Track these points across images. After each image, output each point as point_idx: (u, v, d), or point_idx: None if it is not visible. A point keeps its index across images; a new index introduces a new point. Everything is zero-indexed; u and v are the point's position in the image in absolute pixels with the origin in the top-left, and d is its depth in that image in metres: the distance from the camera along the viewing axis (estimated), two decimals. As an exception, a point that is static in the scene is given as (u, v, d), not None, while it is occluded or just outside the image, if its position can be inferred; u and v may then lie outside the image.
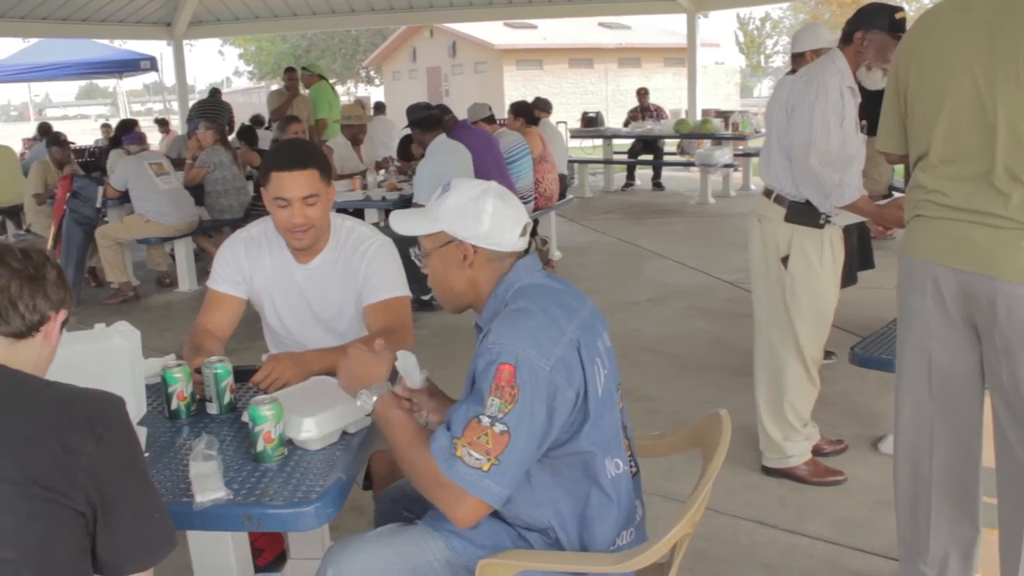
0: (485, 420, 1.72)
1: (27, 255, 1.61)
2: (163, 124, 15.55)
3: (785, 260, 3.38)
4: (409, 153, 7.67)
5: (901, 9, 3.35)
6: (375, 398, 1.91)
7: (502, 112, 9.64)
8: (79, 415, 1.48)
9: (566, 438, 1.83)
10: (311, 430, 2.05)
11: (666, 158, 13.13)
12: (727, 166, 11.37)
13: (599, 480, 1.88)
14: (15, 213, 9.94)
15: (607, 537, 1.92)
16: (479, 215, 1.91)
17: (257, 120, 10.69)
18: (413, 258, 2.07)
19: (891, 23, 3.22)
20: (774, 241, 3.41)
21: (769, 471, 3.61)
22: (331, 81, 11.81)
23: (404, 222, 2.03)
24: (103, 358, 2.17)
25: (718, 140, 11.36)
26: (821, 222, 3.34)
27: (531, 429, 1.74)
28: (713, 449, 2.02)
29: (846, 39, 3.31)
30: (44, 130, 11.34)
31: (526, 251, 2.01)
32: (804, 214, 3.33)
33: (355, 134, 8.20)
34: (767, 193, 3.45)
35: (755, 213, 3.53)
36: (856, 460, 3.74)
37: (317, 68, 10.54)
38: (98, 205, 7.67)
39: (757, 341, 3.64)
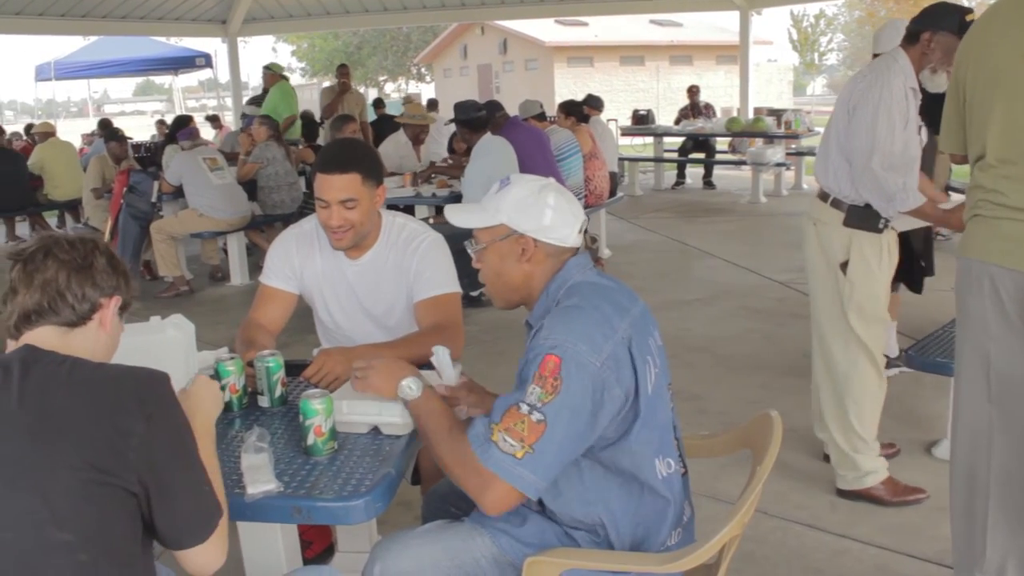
0: (524, 408, 1.73)
1: (74, 245, 1.64)
2: (215, 120, 15.77)
3: (844, 266, 3.28)
4: (453, 147, 7.71)
5: (971, 11, 3.23)
6: (421, 387, 1.94)
7: (552, 110, 9.62)
8: (128, 395, 1.51)
9: (616, 436, 1.83)
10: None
11: (717, 156, 13.02)
12: (779, 165, 11.24)
13: (651, 479, 1.87)
14: (74, 207, 10.17)
15: (659, 537, 1.91)
16: (541, 209, 1.92)
17: (306, 116, 10.79)
18: (469, 251, 2.07)
19: (960, 25, 3.09)
20: (831, 246, 3.32)
21: (845, 494, 3.44)
22: (381, 79, 11.85)
23: (461, 215, 2.04)
24: (158, 350, 2.20)
25: (770, 139, 11.24)
26: (880, 226, 3.24)
27: (571, 423, 1.73)
28: (763, 450, 2.00)
29: (911, 38, 3.20)
30: (103, 126, 11.59)
31: (578, 249, 2.01)
32: (864, 218, 3.24)
33: (417, 133, 8.24)
34: (823, 196, 3.36)
35: (810, 217, 3.44)
36: (910, 465, 3.67)
37: (279, 67, 10.35)
38: (153, 200, 7.80)
39: (817, 347, 3.51)
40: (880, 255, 3.28)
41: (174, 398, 1.58)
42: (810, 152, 11.92)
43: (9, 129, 12.44)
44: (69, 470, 1.43)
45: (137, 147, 10.53)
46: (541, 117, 7.77)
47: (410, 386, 1.95)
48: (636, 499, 1.88)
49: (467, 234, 2.06)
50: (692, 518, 2.05)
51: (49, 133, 10.41)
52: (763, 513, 3.27)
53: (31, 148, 10.71)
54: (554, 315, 1.83)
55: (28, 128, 12.29)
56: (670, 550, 1.92)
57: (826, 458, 3.57)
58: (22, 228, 11.00)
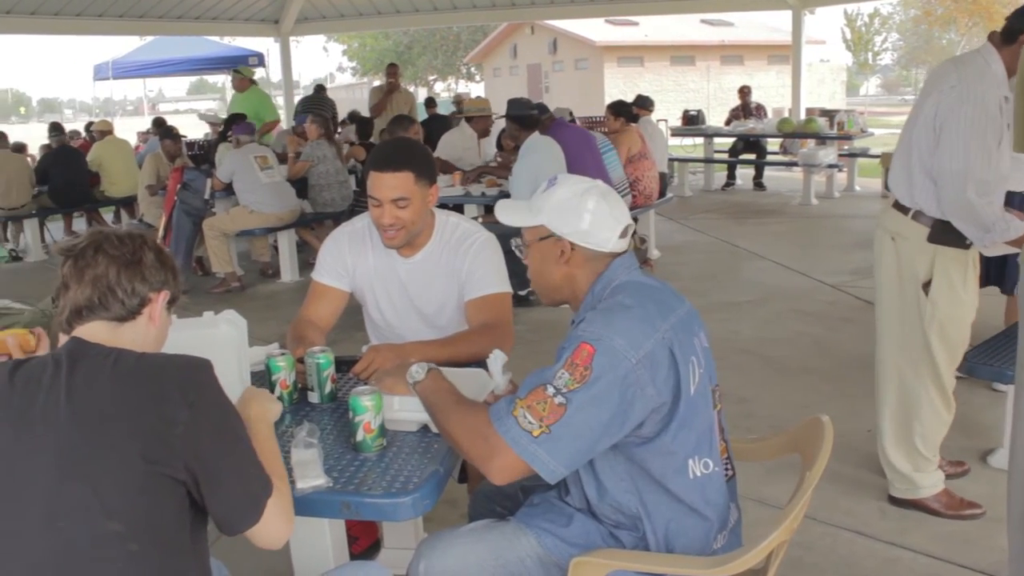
0: (550, 389, 1.73)
1: (123, 241, 1.66)
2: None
3: (926, 286, 3.08)
4: (500, 143, 7.72)
5: None
6: (426, 370, 2.01)
7: (602, 110, 9.61)
8: (170, 384, 1.53)
9: (652, 434, 1.81)
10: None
11: (768, 157, 12.89)
12: (831, 166, 11.09)
13: (680, 479, 1.86)
14: (129, 203, 10.36)
15: (690, 537, 1.89)
16: (580, 213, 1.91)
17: (358, 115, 10.87)
18: (514, 248, 2.07)
19: None
20: (912, 263, 3.10)
21: (897, 501, 3.36)
22: (431, 78, 11.85)
23: (508, 213, 2.05)
24: (211, 345, 2.23)
25: (822, 140, 11.10)
26: (968, 242, 3.00)
27: (593, 414, 1.73)
28: (813, 456, 1.98)
29: (1008, 37, 2.90)
30: (157, 124, 11.79)
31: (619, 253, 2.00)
32: (951, 234, 2.99)
33: (485, 127, 8.28)
34: (901, 208, 3.12)
35: (887, 229, 3.20)
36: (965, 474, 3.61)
37: (248, 71, 10.04)
38: (206, 197, 7.93)
39: (883, 366, 3.34)
40: (965, 273, 3.07)
41: (216, 384, 1.60)
42: (863, 154, 11.77)
43: (68, 127, 12.71)
44: (117, 461, 1.46)
45: (190, 145, 10.70)
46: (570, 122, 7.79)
47: (417, 370, 2.00)
48: (665, 497, 1.87)
49: (517, 233, 2.06)
50: (739, 522, 2.03)
51: (107, 131, 10.62)
52: (811, 519, 3.23)
53: (89, 145, 10.94)
54: (599, 310, 1.83)
55: (89, 126, 12.55)
56: (716, 554, 1.90)
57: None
58: (79, 224, 11.23)
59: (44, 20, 12.17)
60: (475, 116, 8.40)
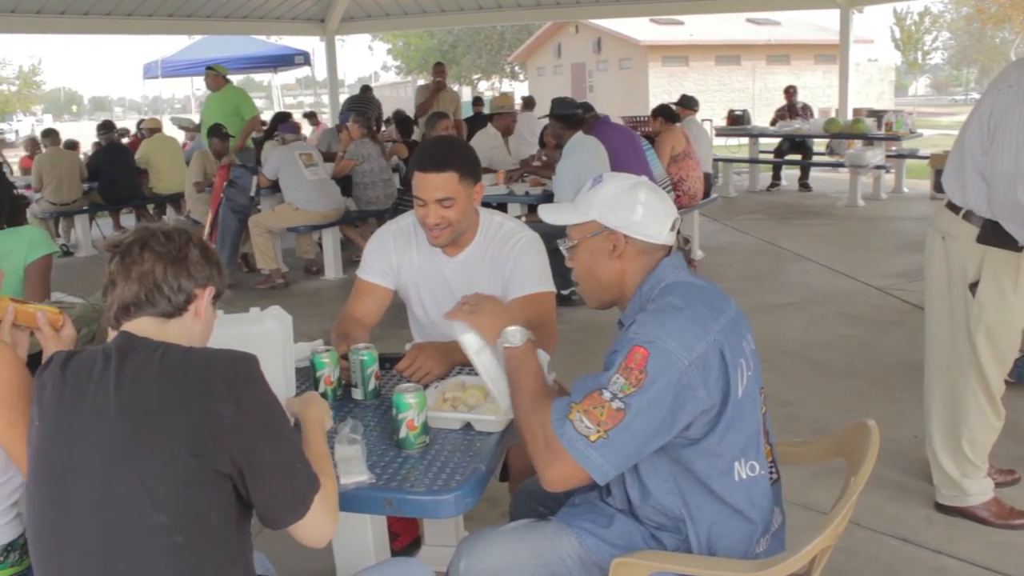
0: (606, 394, 1.72)
1: (169, 237, 1.68)
2: (312, 117, 16.10)
3: (973, 287, 3.02)
4: (543, 140, 7.72)
5: None
6: (526, 338, 1.95)
7: (647, 109, 9.58)
8: (217, 379, 1.55)
9: (699, 436, 1.80)
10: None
11: (814, 158, 12.75)
12: (878, 167, 10.94)
13: (725, 481, 1.85)
14: (177, 200, 10.52)
15: (733, 540, 1.88)
16: (632, 205, 1.91)
17: (400, 114, 10.94)
18: (561, 249, 2.07)
19: None
20: (961, 263, 3.05)
21: (944, 509, 3.30)
22: (475, 77, 11.82)
23: (554, 213, 2.05)
24: (257, 340, 2.25)
25: (870, 140, 10.96)
26: (1020, 245, 2.93)
27: (649, 417, 1.72)
28: (859, 460, 1.96)
29: None
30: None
31: (671, 249, 1.99)
32: (1001, 236, 2.93)
33: (507, 124, 8.27)
34: (953, 208, 3.06)
35: (938, 228, 3.14)
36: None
37: (223, 69, 9.55)
38: (252, 194, 8.01)
39: (931, 367, 3.29)
40: (1017, 277, 2.99)
41: (262, 379, 1.61)
42: (912, 155, 11.59)
43: (118, 125, 12.92)
44: (165, 454, 1.48)
45: (237, 143, 10.82)
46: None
47: (514, 333, 1.96)
48: (709, 499, 1.86)
49: (561, 233, 2.06)
50: (783, 526, 2.02)
51: (156, 129, 10.78)
52: (855, 524, 3.19)
53: (139, 143, 11.11)
54: (649, 311, 1.82)
55: (139, 124, 12.77)
56: (758, 557, 1.89)
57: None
58: (127, 219, 11.41)
59: (96, 20, 12.38)
60: (496, 114, 8.41)
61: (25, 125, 41.04)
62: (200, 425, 1.50)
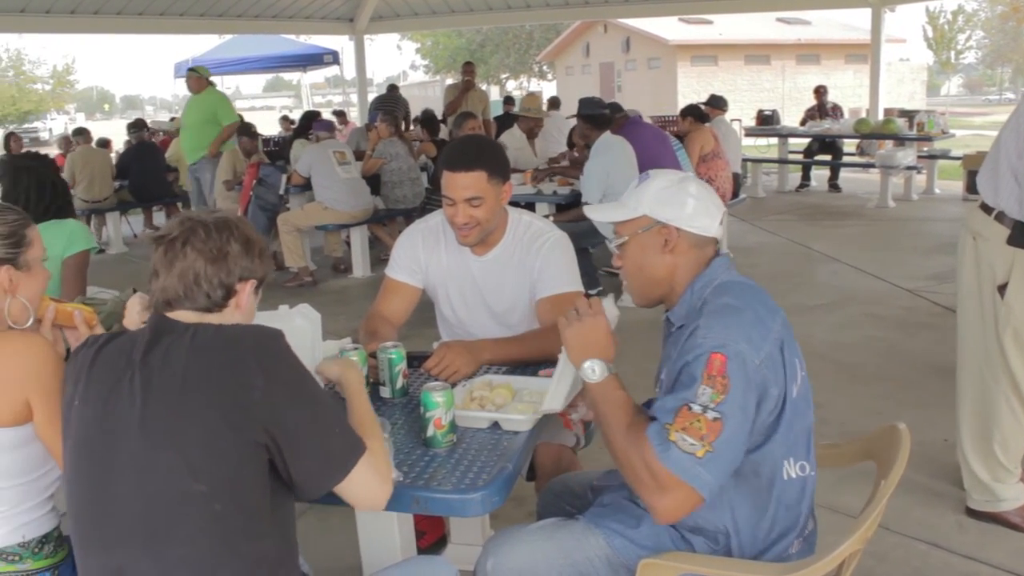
0: (696, 408, 1.70)
1: (210, 234, 1.71)
2: (341, 116, 16.18)
3: (1002, 289, 2.97)
4: (571, 142, 7.71)
5: None
6: (606, 373, 1.88)
7: (674, 109, 9.54)
8: (246, 353, 1.59)
9: (761, 440, 1.80)
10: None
11: (844, 159, 12.64)
12: (909, 168, 10.83)
13: (779, 484, 1.84)
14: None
15: (780, 546, 1.87)
16: (683, 198, 1.91)
17: (427, 113, 10.97)
18: (610, 247, 2.06)
19: None
20: (990, 264, 3.01)
21: (975, 514, 3.26)
22: (504, 76, 11.78)
23: (602, 211, 2.05)
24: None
25: (901, 141, 10.85)
26: None
27: (742, 421, 1.71)
28: (889, 464, 1.94)
29: None
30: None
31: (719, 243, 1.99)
32: None
33: (531, 127, 8.27)
34: (986, 208, 3.03)
35: (969, 229, 3.11)
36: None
37: (205, 71, 9.32)
38: (281, 192, 8.07)
39: (963, 369, 3.25)
40: None
41: (290, 351, 1.65)
42: (944, 155, 11.47)
43: (150, 122, 13.06)
44: (201, 426, 1.53)
45: (265, 141, 10.90)
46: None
47: (593, 368, 1.89)
48: (762, 508, 1.85)
49: (590, 232, 2.06)
50: (814, 531, 2.00)
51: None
52: (884, 529, 3.16)
53: (169, 141, 11.21)
54: (709, 315, 1.80)
55: (171, 120, 12.91)
56: (789, 559, 1.88)
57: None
58: (159, 217, 11.52)
59: (129, 20, 12.51)
60: (522, 116, 8.41)
61: (59, 124, 41.54)
62: (233, 397, 1.55)
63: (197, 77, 9.06)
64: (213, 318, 1.71)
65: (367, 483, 1.68)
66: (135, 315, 2.07)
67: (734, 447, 1.71)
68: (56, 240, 3.36)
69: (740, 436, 1.71)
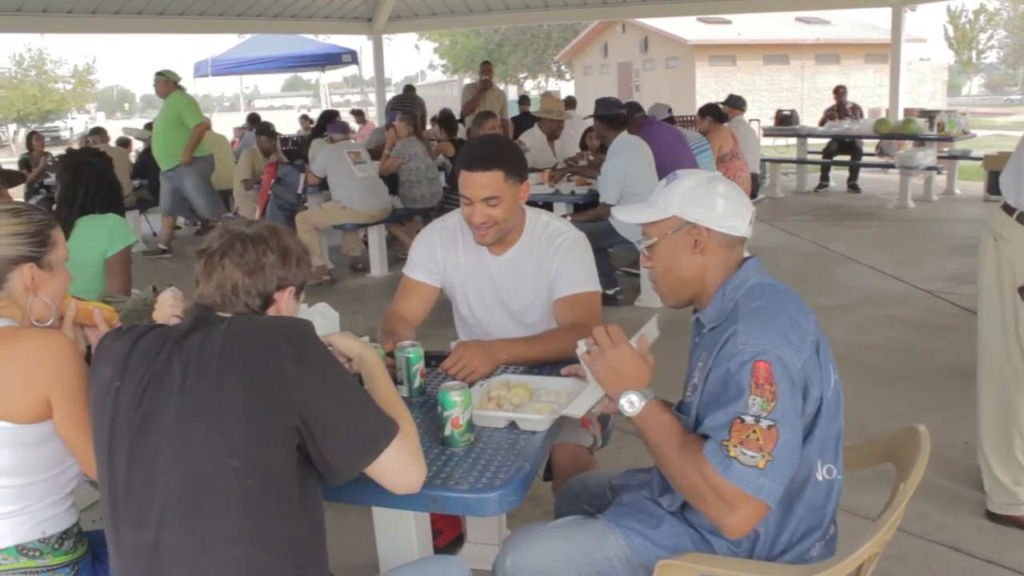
0: (749, 419, 1.69)
1: (247, 248, 1.78)
2: (359, 115, 16.22)
3: (1022, 290, 2.96)
4: (584, 143, 7.69)
5: None
6: (643, 403, 1.85)
7: (694, 109, 9.51)
8: (279, 338, 1.65)
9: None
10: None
11: (864, 159, 12.58)
12: (929, 169, 10.76)
13: (810, 486, 1.84)
14: (225, 197, 10.65)
15: (802, 547, 1.87)
16: (712, 198, 1.91)
17: (446, 113, 10.98)
18: (639, 248, 2.05)
19: None
20: (1011, 265, 3.00)
21: (996, 517, 3.24)
22: (521, 76, 11.77)
23: (631, 213, 2.03)
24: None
25: (921, 141, 10.78)
26: None
27: (795, 424, 1.71)
28: (908, 466, 1.93)
29: None
30: (253, 120, 12.07)
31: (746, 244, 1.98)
32: None
33: (553, 129, 8.27)
34: (1008, 209, 3.01)
35: (991, 230, 3.09)
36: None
37: (173, 75, 8.99)
38: (299, 191, 8.10)
39: (984, 371, 3.23)
40: None
41: (319, 339, 1.70)
42: (965, 156, 11.39)
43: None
44: (236, 405, 1.58)
45: (284, 141, 10.94)
46: (669, 120, 7.70)
47: (630, 401, 1.85)
48: (790, 510, 1.85)
49: (607, 232, 2.06)
50: (836, 534, 2.00)
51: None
52: (903, 532, 3.14)
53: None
54: (746, 318, 1.79)
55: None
56: (810, 561, 1.87)
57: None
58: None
59: (149, 19, 12.58)
60: (543, 118, 8.41)
61: (79, 123, 41.83)
62: (266, 380, 1.60)
63: (164, 81, 8.78)
64: None
65: (401, 464, 1.72)
66: (167, 308, 2.09)
67: (792, 451, 1.70)
68: (97, 235, 3.42)
69: (796, 439, 1.71)
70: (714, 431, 1.71)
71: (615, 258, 6.67)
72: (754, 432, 1.68)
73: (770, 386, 1.69)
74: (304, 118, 17.17)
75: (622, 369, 1.88)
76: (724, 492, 1.67)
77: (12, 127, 41.52)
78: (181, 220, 11.11)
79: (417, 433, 1.82)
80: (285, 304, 1.82)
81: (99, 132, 10.95)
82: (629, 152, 6.14)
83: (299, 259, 1.85)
